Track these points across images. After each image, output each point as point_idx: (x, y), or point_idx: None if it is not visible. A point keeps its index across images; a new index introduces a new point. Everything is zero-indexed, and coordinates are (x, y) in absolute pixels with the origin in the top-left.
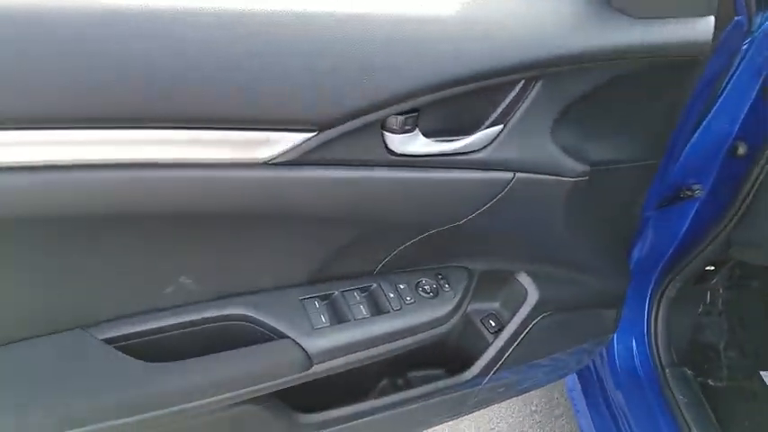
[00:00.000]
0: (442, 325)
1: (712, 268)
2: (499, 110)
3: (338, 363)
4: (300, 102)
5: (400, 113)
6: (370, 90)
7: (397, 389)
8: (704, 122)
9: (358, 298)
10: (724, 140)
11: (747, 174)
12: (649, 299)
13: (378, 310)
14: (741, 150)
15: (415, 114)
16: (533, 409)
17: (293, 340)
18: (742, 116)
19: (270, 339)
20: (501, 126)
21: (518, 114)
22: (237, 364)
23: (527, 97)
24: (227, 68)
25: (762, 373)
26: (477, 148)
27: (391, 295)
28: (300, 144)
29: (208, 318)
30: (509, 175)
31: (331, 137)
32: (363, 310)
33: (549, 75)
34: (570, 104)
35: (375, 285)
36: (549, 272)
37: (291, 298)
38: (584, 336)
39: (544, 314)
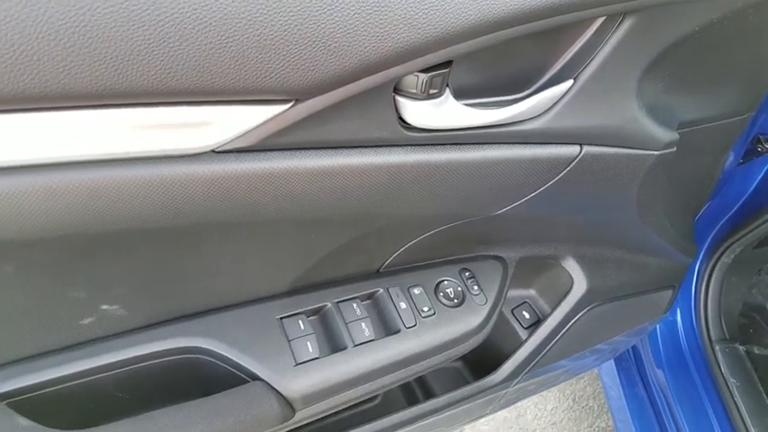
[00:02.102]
0: (470, 339)
1: None
2: (567, 58)
3: (331, 404)
4: (265, 59)
5: (424, 70)
6: (376, 36)
7: (411, 396)
8: None
9: (359, 311)
10: None
11: None
12: (699, 267)
13: (386, 328)
14: None
15: (446, 70)
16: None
17: (266, 383)
18: None
19: (235, 380)
20: (570, 82)
21: (595, 65)
22: (187, 423)
23: (608, 41)
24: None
25: None
26: (534, 115)
27: (403, 306)
28: (265, 123)
29: (143, 355)
30: (575, 149)
31: (314, 110)
32: (366, 330)
33: (640, 9)
34: (664, 51)
35: (381, 291)
36: (603, 255)
37: (266, 316)
38: (635, 322)
39: (592, 305)
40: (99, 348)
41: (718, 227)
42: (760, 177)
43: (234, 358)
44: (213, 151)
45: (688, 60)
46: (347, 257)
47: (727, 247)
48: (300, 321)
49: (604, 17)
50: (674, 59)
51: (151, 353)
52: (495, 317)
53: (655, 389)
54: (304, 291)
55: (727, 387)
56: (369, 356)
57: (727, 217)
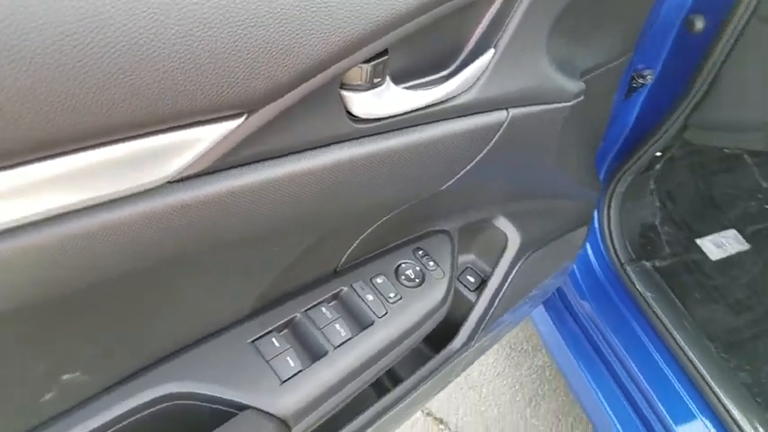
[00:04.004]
0: (437, 312)
1: (659, 154)
2: (484, 29)
3: (323, 411)
4: (212, 75)
5: (367, 60)
6: (317, 36)
7: (380, 387)
8: None
9: (329, 314)
10: (677, 15)
11: (707, 51)
12: (599, 200)
13: (359, 323)
14: (698, 25)
15: (386, 57)
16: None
17: (256, 409)
18: None
19: (224, 415)
20: (492, 51)
21: (510, 31)
22: None
23: (518, 6)
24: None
25: (697, 241)
26: (466, 88)
27: (370, 297)
28: (219, 141)
29: (115, 418)
30: (503, 114)
31: (266, 119)
32: (342, 330)
33: None
34: (564, 7)
35: (345, 289)
36: (529, 208)
37: (237, 343)
38: (560, 263)
39: (526, 256)
40: (64, 425)
41: (610, 160)
42: (638, 110)
43: (216, 394)
44: (169, 182)
45: (581, 13)
46: (305, 264)
47: (620, 178)
48: (274, 339)
49: None
50: (571, 14)
51: (123, 413)
52: (453, 287)
53: (584, 319)
54: (268, 308)
55: (645, 300)
56: (351, 354)
57: (616, 150)
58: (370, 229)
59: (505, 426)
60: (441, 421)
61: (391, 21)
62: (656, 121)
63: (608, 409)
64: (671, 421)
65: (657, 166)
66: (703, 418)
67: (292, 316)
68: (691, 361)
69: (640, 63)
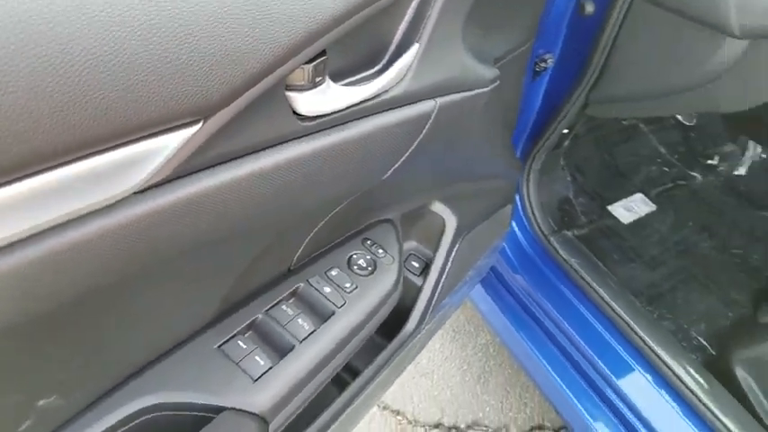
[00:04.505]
0: (392, 296)
1: (566, 131)
2: (407, 24)
3: (299, 401)
4: (167, 84)
5: (308, 62)
6: (265, 40)
7: (340, 382)
8: None
9: (290, 311)
10: (569, 1)
11: (599, 32)
12: (519, 178)
13: (321, 315)
14: (589, 8)
15: (326, 57)
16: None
17: (234, 409)
18: None
19: (202, 420)
20: (417, 45)
21: (430, 25)
22: None
23: (435, 2)
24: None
25: (609, 207)
26: (397, 81)
27: (327, 290)
28: (179, 149)
29: None
30: (432, 104)
31: (220, 123)
32: (305, 324)
33: None
34: (475, 1)
35: (302, 285)
36: (461, 190)
37: (204, 350)
38: (491, 241)
39: (463, 236)
40: None
41: (524, 140)
42: (543, 92)
43: (192, 401)
44: (135, 193)
45: (488, 5)
46: (261, 266)
47: (534, 157)
48: (240, 341)
49: None
50: (480, 7)
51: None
52: (402, 271)
53: (519, 291)
54: (229, 313)
55: (571, 266)
56: (317, 345)
57: (528, 131)
58: (319, 225)
59: (459, 405)
60: (398, 413)
61: (327, 23)
62: (561, 101)
63: (551, 371)
64: (609, 372)
65: (566, 143)
66: (637, 366)
67: (254, 317)
68: (619, 315)
69: (541, 48)
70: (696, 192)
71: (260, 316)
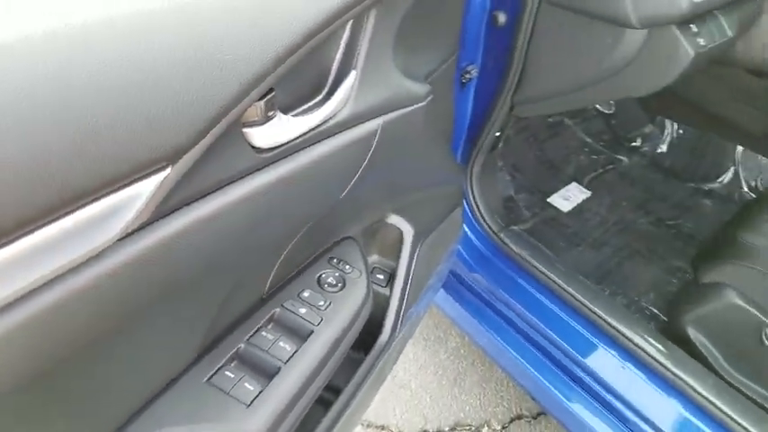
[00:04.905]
0: (365, 307)
1: (498, 134)
2: (343, 53)
3: (292, 419)
4: (133, 137)
5: (259, 99)
6: (217, 87)
7: (323, 401)
8: None
9: (270, 336)
10: (483, 13)
11: (514, 39)
12: (464, 183)
13: (300, 336)
14: (501, 19)
15: (273, 93)
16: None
17: None
18: None
19: None
20: (353, 73)
21: (363, 51)
22: None
23: (365, 29)
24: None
25: (548, 200)
26: (342, 106)
27: (303, 310)
28: (153, 194)
29: None
30: (375, 123)
31: (189, 164)
32: (287, 346)
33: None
34: (400, 23)
35: (278, 310)
36: (414, 200)
37: (193, 386)
38: (447, 246)
39: (421, 243)
40: None
41: (462, 147)
42: (472, 101)
43: None
44: (119, 240)
45: (411, 27)
46: (236, 298)
47: (474, 161)
48: (227, 372)
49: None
50: (405, 30)
51: None
52: (371, 284)
53: (480, 290)
54: (211, 348)
55: (523, 258)
56: (302, 363)
57: (464, 138)
58: (287, 250)
59: (440, 410)
60: (382, 428)
61: (271, 63)
62: (489, 106)
63: (522, 361)
64: (574, 353)
65: (500, 145)
66: (600, 342)
67: (237, 347)
68: (575, 297)
69: (465, 61)
70: (625, 173)
71: (242, 345)
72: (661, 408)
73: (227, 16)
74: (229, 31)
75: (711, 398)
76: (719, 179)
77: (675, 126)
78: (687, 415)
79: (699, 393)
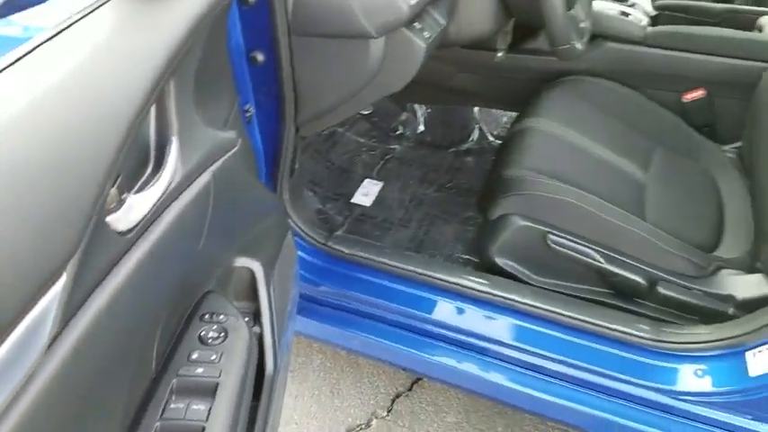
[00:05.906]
0: (253, 344)
1: (292, 157)
2: (157, 124)
3: None
4: (20, 262)
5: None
6: (83, 178)
7: None
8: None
9: (181, 404)
10: (241, 55)
11: (278, 73)
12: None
13: (208, 392)
14: (260, 58)
15: (120, 177)
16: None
17: None
18: (242, 28)
19: None
20: (174, 139)
21: (173, 119)
22: None
23: (170, 97)
24: None
25: (351, 201)
26: (175, 170)
27: (200, 370)
28: (58, 303)
29: None
30: (207, 174)
31: (74, 271)
32: (200, 406)
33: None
34: (192, 89)
35: (175, 380)
36: (253, 237)
37: None
38: (291, 269)
39: (271, 274)
40: None
41: (265, 178)
42: (260, 136)
43: None
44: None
45: (200, 82)
46: (136, 384)
47: (281, 187)
48: None
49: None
50: (197, 86)
51: None
52: (250, 320)
53: (333, 300)
54: None
55: (356, 256)
56: (222, 415)
57: (265, 169)
58: (162, 324)
59: (329, 426)
60: None
61: (118, 146)
62: (277, 137)
63: (390, 342)
64: (423, 314)
65: (296, 167)
66: (437, 296)
67: (155, 428)
68: (407, 270)
69: (243, 102)
70: (401, 157)
71: (158, 424)
72: (500, 327)
73: (68, 115)
74: (74, 126)
75: (533, 303)
76: (470, 138)
77: (425, 107)
78: (521, 323)
79: (524, 303)
